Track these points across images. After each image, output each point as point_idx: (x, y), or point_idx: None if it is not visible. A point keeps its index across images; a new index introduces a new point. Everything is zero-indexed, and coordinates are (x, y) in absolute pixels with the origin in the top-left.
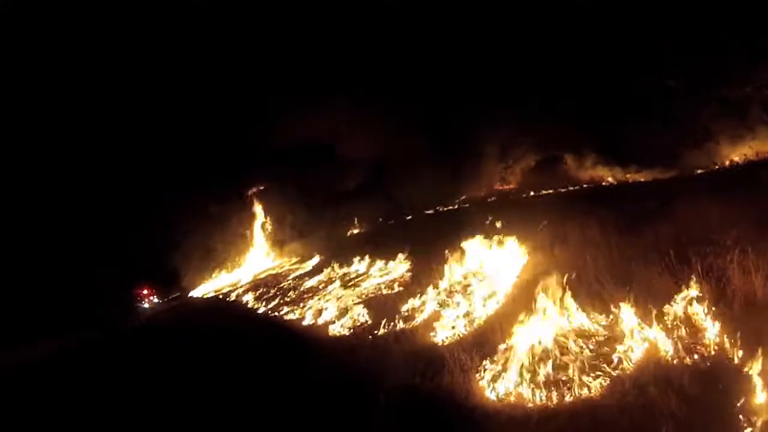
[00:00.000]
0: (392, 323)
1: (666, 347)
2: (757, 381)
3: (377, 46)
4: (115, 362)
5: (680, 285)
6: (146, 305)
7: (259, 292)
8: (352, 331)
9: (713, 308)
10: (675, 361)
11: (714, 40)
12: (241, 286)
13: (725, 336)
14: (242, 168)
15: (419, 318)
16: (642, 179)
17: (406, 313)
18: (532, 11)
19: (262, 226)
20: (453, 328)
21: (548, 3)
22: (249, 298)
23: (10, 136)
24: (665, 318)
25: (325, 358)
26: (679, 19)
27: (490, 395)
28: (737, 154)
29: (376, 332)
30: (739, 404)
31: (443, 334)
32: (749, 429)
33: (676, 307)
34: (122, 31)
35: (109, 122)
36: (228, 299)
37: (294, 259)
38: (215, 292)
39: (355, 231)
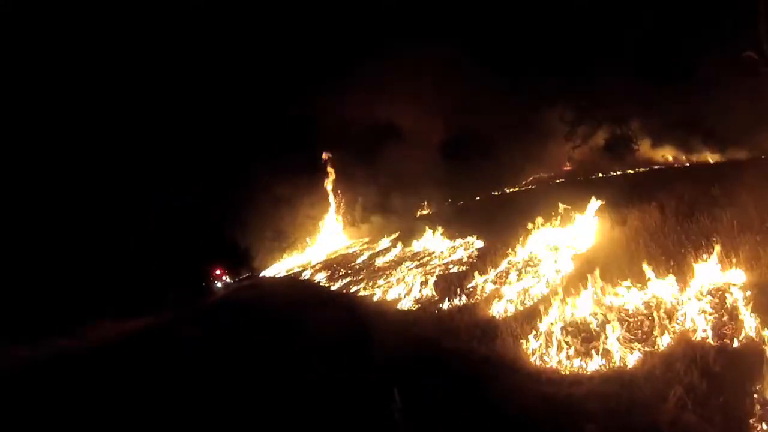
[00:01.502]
0: (456, 298)
1: (700, 328)
2: None
3: (442, 27)
4: (195, 338)
5: (725, 272)
6: (219, 284)
7: (330, 271)
8: (419, 305)
9: (754, 297)
10: (706, 341)
11: None
12: (313, 266)
13: (759, 324)
14: (311, 149)
15: (481, 294)
16: (711, 160)
17: (470, 290)
18: None
19: (334, 207)
20: (510, 302)
21: None
22: (321, 277)
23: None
24: (704, 300)
25: (391, 328)
26: None
27: (535, 361)
28: None
29: (440, 306)
30: (757, 388)
31: (500, 308)
32: (759, 411)
33: (716, 293)
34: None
35: (184, 105)
36: (300, 278)
37: (365, 240)
38: (287, 272)
39: (425, 212)
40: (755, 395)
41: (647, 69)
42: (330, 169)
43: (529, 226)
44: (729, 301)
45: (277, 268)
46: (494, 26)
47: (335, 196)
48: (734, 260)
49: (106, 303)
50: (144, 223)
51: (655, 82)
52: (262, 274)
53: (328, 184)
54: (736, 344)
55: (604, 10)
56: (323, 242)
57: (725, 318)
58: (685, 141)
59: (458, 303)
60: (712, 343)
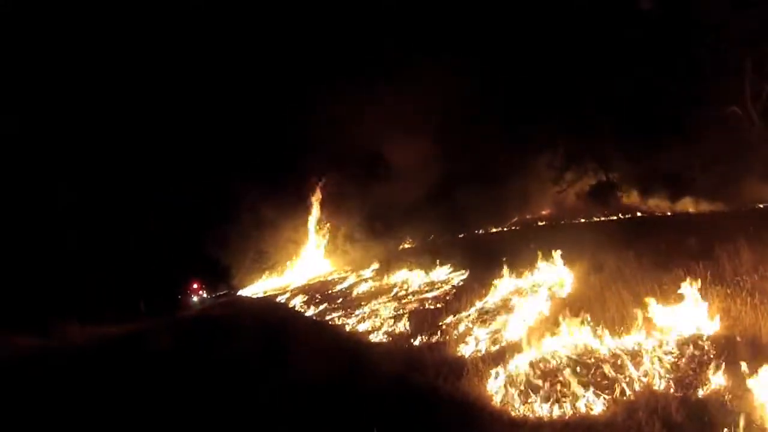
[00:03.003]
0: (428, 335)
1: (664, 378)
2: (741, 420)
3: (429, 59)
4: (166, 350)
5: (696, 325)
6: (195, 299)
7: (308, 296)
8: (390, 338)
9: (720, 349)
10: (669, 391)
11: None
12: (290, 290)
13: (724, 375)
14: (300, 173)
15: (453, 332)
16: (692, 210)
17: (443, 327)
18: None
19: (317, 233)
20: (480, 343)
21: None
22: (298, 302)
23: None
24: (670, 350)
25: (360, 359)
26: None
27: (500, 402)
28: None
29: (412, 341)
30: None
31: (471, 348)
32: None
33: (683, 343)
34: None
35: (167, 118)
36: (277, 300)
37: (345, 268)
38: (265, 292)
39: (407, 245)
40: None
41: (636, 119)
42: (316, 195)
43: (506, 269)
44: (696, 352)
45: (255, 288)
46: (492, 67)
47: (319, 222)
48: (703, 312)
49: (78, 305)
50: (126, 229)
51: (643, 133)
52: (239, 293)
53: (314, 209)
54: (700, 395)
55: (597, 59)
56: (303, 267)
57: (691, 368)
58: (668, 191)
59: (429, 340)
60: (675, 393)
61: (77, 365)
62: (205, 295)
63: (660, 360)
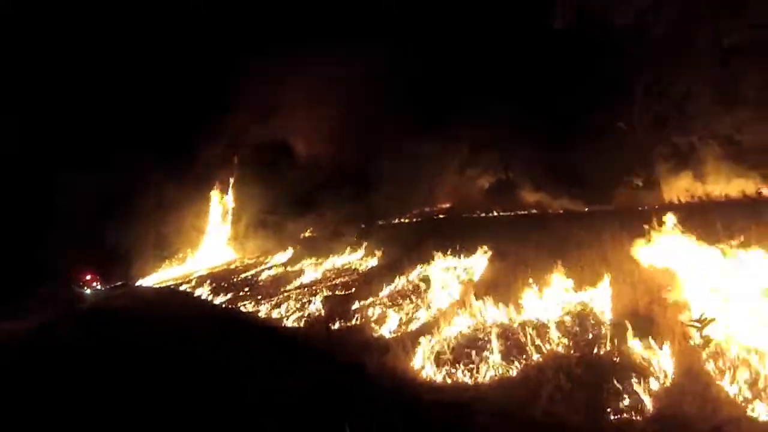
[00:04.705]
0: (345, 319)
1: (564, 341)
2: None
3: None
4: (67, 345)
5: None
6: (88, 290)
7: (213, 285)
8: (307, 324)
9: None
10: (569, 352)
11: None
12: (194, 278)
13: (610, 334)
14: (203, 158)
15: (368, 316)
16: (583, 209)
17: (358, 311)
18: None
19: (220, 220)
20: (398, 325)
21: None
22: (203, 291)
23: None
24: (566, 318)
25: (279, 345)
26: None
27: (423, 374)
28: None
29: (330, 325)
30: (610, 385)
31: (389, 328)
32: (612, 402)
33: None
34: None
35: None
36: (180, 289)
37: (250, 256)
38: (165, 282)
39: (309, 234)
40: (609, 390)
41: (537, 122)
42: (220, 180)
43: (416, 254)
44: (591, 321)
45: (155, 278)
46: (400, 58)
47: (222, 209)
48: (593, 292)
49: None
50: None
51: (543, 134)
52: (138, 283)
53: (217, 195)
54: (594, 352)
55: (505, 58)
56: (206, 255)
57: (586, 335)
58: (562, 190)
59: (347, 323)
60: (574, 353)
61: None
62: (99, 287)
63: (559, 327)
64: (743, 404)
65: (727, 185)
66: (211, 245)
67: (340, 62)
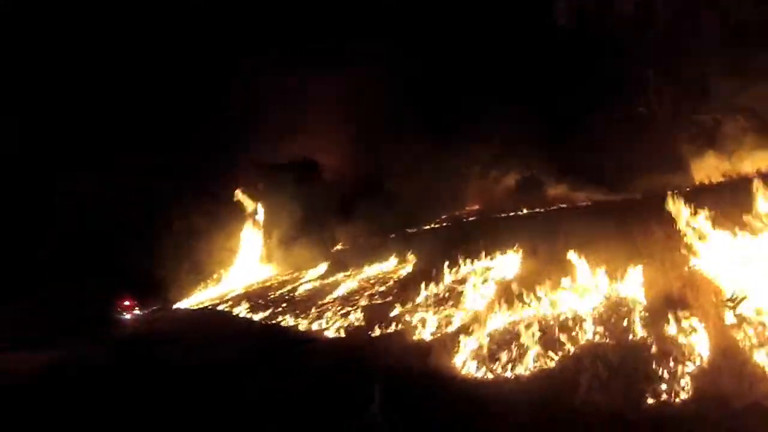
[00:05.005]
0: (384, 326)
1: (600, 332)
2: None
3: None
4: (105, 375)
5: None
6: (128, 316)
7: (250, 303)
8: (348, 333)
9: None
10: (605, 341)
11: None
12: (230, 298)
13: (644, 325)
14: (229, 180)
15: (409, 320)
16: (608, 199)
17: (396, 318)
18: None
19: (251, 239)
20: (437, 327)
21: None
22: (241, 309)
23: None
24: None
25: (324, 354)
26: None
27: (464, 371)
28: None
29: (370, 333)
30: (645, 370)
31: (429, 332)
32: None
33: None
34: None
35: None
36: (218, 309)
37: (285, 272)
38: (202, 304)
39: (339, 247)
40: (646, 375)
41: (554, 120)
42: (248, 200)
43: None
44: (623, 310)
45: (192, 300)
46: (413, 66)
47: (253, 228)
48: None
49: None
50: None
51: (561, 132)
52: (175, 306)
53: (247, 215)
54: (629, 339)
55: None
56: (240, 274)
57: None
58: (586, 183)
59: (387, 330)
60: (609, 342)
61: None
62: (138, 312)
63: (595, 320)
64: None
65: (755, 159)
66: (245, 264)
67: (356, 73)
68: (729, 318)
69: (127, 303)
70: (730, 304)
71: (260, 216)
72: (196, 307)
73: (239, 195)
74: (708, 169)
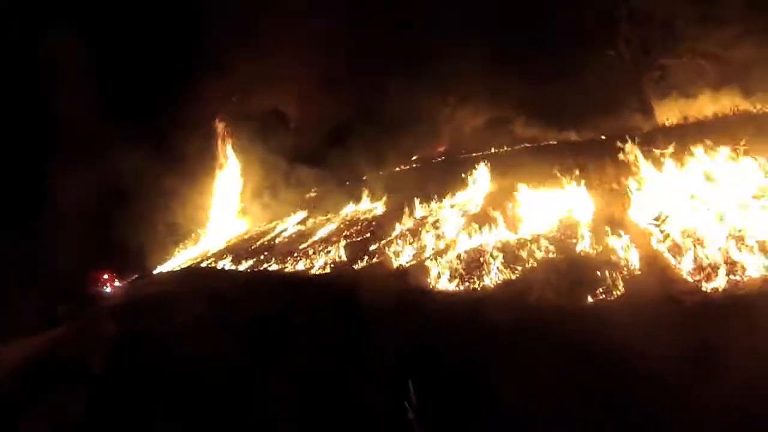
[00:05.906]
0: (366, 260)
1: (553, 248)
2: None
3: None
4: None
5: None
6: (108, 290)
7: (233, 256)
8: (333, 269)
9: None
10: (557, 255)
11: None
12: (212, 254)
13: (588, 242)
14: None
15: (388, 252)
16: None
17: (376, 251)
18: None
19: (224, 194)
20: (413, 255)
21: None
22: (224, 263)
23: None
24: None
25: (314, 289)
26: None
27: (439, 287)
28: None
29: (354, 267)
30: (587, 276)
31: (406, 259)
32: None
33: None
34: None
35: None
36: (201, 266)
37: (262, 223)
38: (184, 264)
39: (313, 193)
40: (588, 279)
41: (522, 60)
42: (218, 152)
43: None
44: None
45: (172, 263)
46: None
47: (224, 183)
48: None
49: None
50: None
51: (529, 73)
52: (156, 271)
53: (215, 170)
54: (576, 255)
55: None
56: (218, 231)
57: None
58: (553, 122)
59: (369, 262)
60: (560, 256)
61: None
62: (118, 284)
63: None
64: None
65: (718, 103)
66: (221, 220)
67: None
68: (655, 234)
69: (105, 276)
70: (655, 222)
71: (232, 170)
72: (178, 269)
73: (209, 149)
74: (671, 112)
